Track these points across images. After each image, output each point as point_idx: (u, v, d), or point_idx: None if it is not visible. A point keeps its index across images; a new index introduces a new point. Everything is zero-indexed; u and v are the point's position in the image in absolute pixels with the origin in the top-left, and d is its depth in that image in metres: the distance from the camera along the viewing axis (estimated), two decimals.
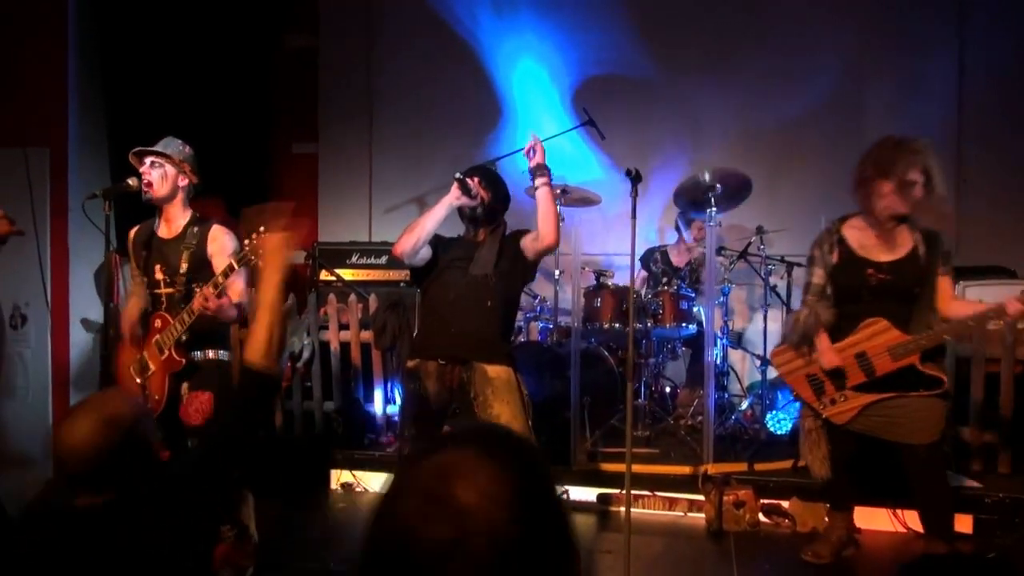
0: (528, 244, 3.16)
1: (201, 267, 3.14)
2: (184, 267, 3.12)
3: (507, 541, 0.85)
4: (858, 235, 3.11)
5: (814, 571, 3.32)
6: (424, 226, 3.07)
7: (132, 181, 3.17)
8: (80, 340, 4.77)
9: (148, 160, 3.17)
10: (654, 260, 5.21)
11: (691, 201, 4.72)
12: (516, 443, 0.98)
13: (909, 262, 3.02)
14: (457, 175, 3.10)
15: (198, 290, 2.99)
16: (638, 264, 5.27)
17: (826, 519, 3.49)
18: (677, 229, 5.43)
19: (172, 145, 3.22)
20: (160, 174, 3.16)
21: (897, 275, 3.01)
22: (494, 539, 0.84)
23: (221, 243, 3.16)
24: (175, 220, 3.23)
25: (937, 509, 3.12)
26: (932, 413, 3.01)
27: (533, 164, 3.19)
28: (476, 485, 0.86)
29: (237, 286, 3.05)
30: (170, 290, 3.15)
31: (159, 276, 3.16)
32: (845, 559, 3.38)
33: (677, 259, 5.35)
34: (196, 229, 3.18)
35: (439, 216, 3.07)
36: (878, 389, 3.05)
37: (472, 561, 0.83)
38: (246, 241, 2.78)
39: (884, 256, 3.06)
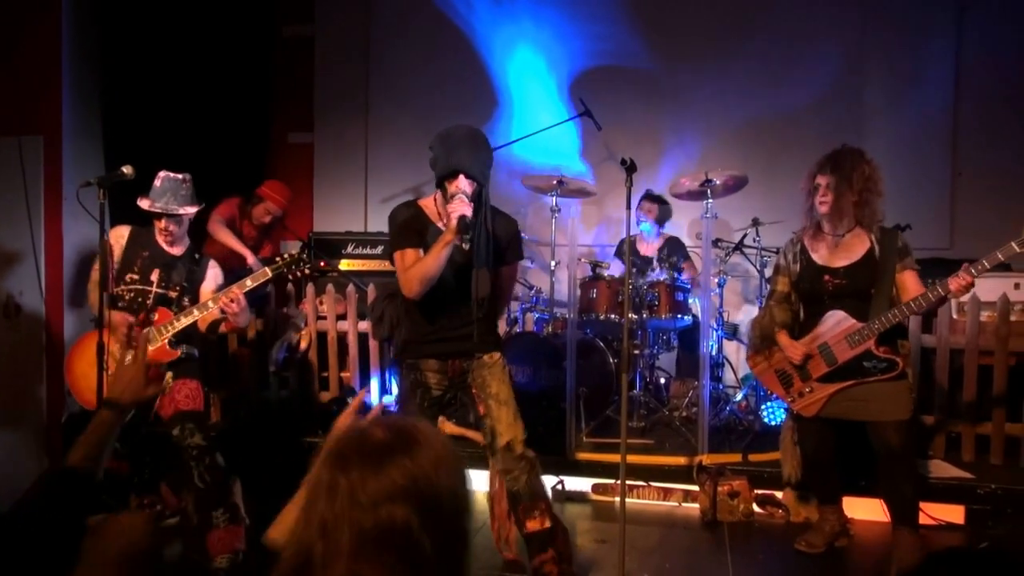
0: (505, 272, 3.06)
1: (195, 287, 3.51)
2: (183, 282, 3.48)
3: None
4: (817, 244, 3.28)
5: (807, 561, 3.35)
6: (432, 271, 2.79)
7: (126, 169, 3.17)
8: (74, 329, 4.76)
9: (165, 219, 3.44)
10: (622, 250, 5.14)
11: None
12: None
13: (863, 265, 3.15)
14: (462, 220, 2.72)
15: (212, 298, 3.33)
16: (614, 254, 5.27)
17: (817, 513, 3.54)
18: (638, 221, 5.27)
19: (180, 194, 3.43)
20: (182, 230, 3.52)
21: (851, 279, 3.16)
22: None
23: (215, 273, 3.58)
24: (180, 242, 3.54)
25: (902, 494, 3.17)
26: (897, 393, 3.11)
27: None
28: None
29: (242, 300, 3.36)
30: (162, 291, 3.43)
31: (154, 278, 3.44)
32: (838, 549, 3.41)
33: (645, 249, 5.29)
34: (197, 256, 3.58)
35: (444, 257, 2.77)
36: (841, 378, 3.17)
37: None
38: (284, 255, 3.40)
39: (840, 262, 3.20)
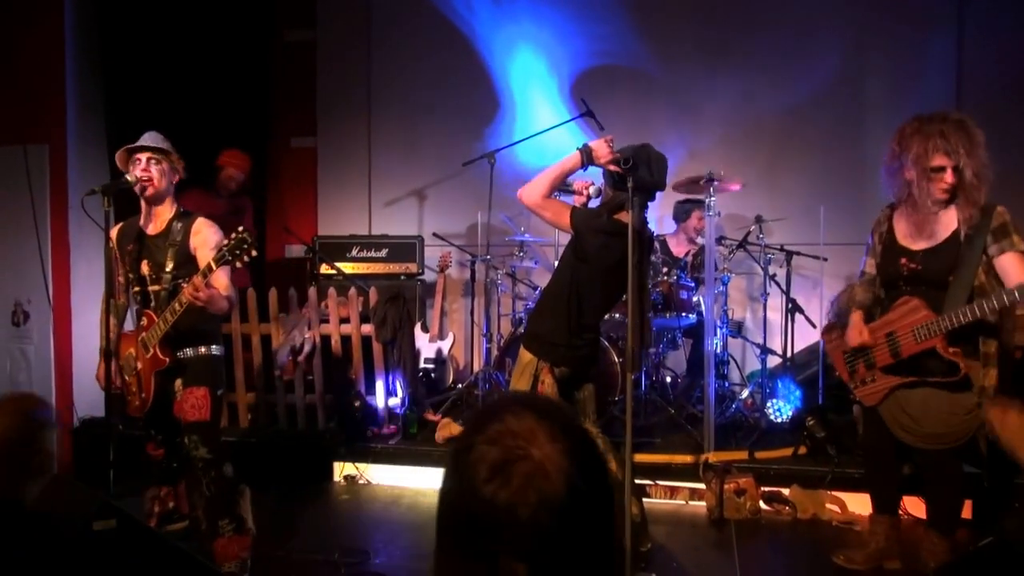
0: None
1: (186, 263, 3.13)
2: (170, 264, 3.12)
3: (563, 506, 0.89)
4: (903, 220, 2.92)
5: (815, 561, 3.34)
6: None
7: (130, 176, 3.17)
8: (82, 335, 4.79)
9: (144, 157, 3.14)
10: (653, 250, 5.19)
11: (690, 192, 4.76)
12: (564, 413, 1.01)
13: (944, 249, 2.79)
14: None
15: (184, 285, 2.93)
16: None
17: (868, 523, 3.23)
18: (676, 219, 5.42)
19: (160, 140, 3.19)
20: (159, 170, 3.14)
21: (927, 264, 2.82)
22: (551, 503, 0.88)
23: (204, 236, 3.14)
24: (162, 215, 3.20)
25: (944, 508, 3.03)
26: (952, 412, 2.79)
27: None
28: (541, 450, 0.90)
29: (221, 280, 3.01)
30: (156, 287, 3.15)
31: (145, 272, 3.17)
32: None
33: (677, 249, 5.35)
34: (180, 224, 3.16)
35: None
36: (904, 372, 2.89)
37: (530, 524, 0.87)
38: (231, 236, 2.82)
39: (920, 244, 2.86)
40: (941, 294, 2.78)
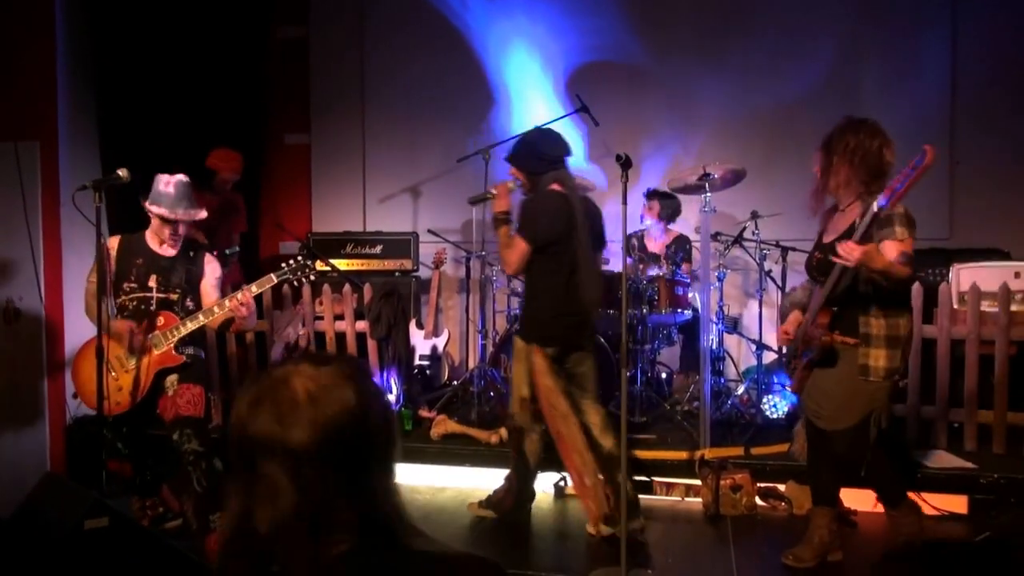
0: None
1: (195, 285, 3.48)
2: (182, 283, 3.44)
3: (329, 424, 1.01)
4: (828, 220, 3.14)
5: None
6: None
7: (122, 172, 3.17)
8: (74, 332, 4.76)
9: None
10: (631, 246, 5.14)
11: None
12: (347, 359, 1.15)
13: (842, 239, 2.85)
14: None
15: (228, 300, 3.29)
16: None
17: (811, 516, 3.24)
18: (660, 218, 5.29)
19: (191, 198, 3.42)
20: (184, 229, 3.47)
21: (828, 254, 2.90)
22: (328, 408, 1.02)
23: (212, 267, 3.55)
24: (175, 238, 3.45)
25: (877, 481, 3.16)
26: (847, 393, 2.94)
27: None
28: (304, 384, 1.03)
29: (251, 304, 3.34)
30: (163, 295, 3.41)
31: (152, 284, 3.41)
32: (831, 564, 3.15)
33: (653, 245, 5.30)
34: (192, 253, 3.52)
35: None
36: (807, 357, 3.06)
37: (292, 450, 1.00)
38: (289, 262, 3.35)
39: (829, 237, 3.04)
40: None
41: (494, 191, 3.52)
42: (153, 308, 3.36)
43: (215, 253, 3.76)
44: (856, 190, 2.95)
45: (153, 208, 3.35)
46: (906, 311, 2.99)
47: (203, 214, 3.47)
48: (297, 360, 1.08)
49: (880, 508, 3.26)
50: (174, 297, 3.41)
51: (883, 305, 2.90)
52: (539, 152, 3.41)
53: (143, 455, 3.48)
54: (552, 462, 3.64)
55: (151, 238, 3.45)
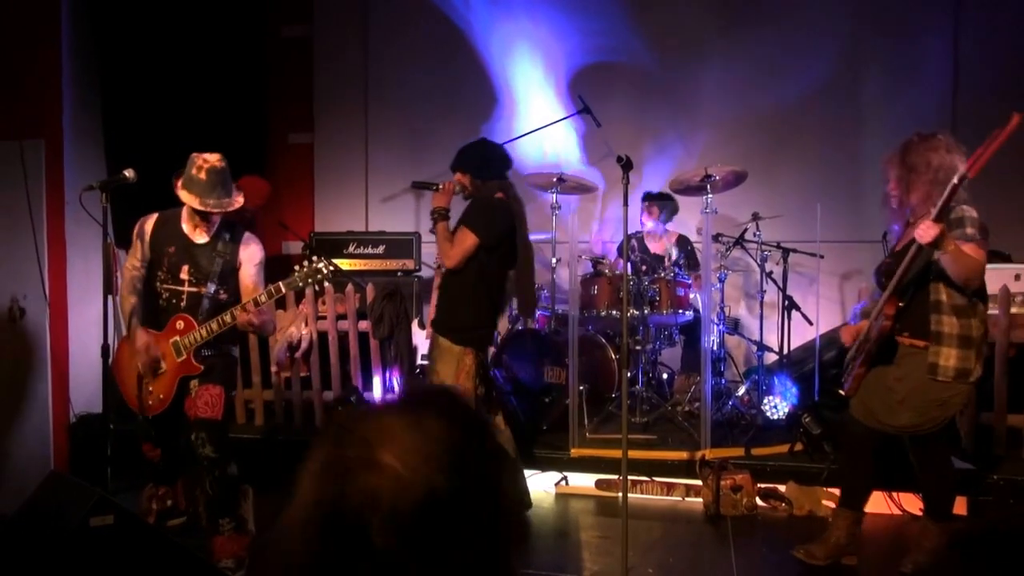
0: None
1: (231, 274, 3.22)
2: (216, 273, 3.18)
3: (429, 498, 0.83)
4: (906, 231, 3.13)
5: None
6: None
7: (128, 172, 3.17)
8: (79, 331, 4.78)
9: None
10: (632, 247, 5.15)
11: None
12: (446, 402, 0.95)
13: (909, 246, 2.93)
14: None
15: (238, 310, 3.06)
16: (616, 252, 5.28)
17: (829, 516, 3.30)
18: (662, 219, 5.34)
19: (227, 185, 3.15)
20: (218, 219, 3.21)
21: (896, 259, 2.98)
22: (414, 496, 0.83)
23: (251, 251, 3.25)
24: (210, 225, 3.21)
25: (933, 495, 3.13)
26: (911, 391, 2.93)
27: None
28: (400, 446, 0.85)
29: (259, 314, 3.14)
30: (195, 289, 3.18)
31: (185, 276, 3.19)
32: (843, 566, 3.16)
33: (655, 246, 5.32)
34: (228, 236, 3.22)
35: None
36: (870, 362, 3.06)
37: (393, 517, 0.82)
38: (298, 267, 3.08)
39: (900, 245, 3.10)
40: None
41: (441, 185, 3.66)
42: (183, 305, 3.16)
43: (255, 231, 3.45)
44: (935, 203, 2.90)
45: (183, 194, 3.08)
46: (978, 312, 2.94)
47: (239, 202, 3.17)
48: (381, 412, 0.90)
49: (894, 509, 3.27)
50: (205, 291, 3.17)
51: (955, 303, 2.89)
52: (487, 158, 3.62)
53: (174, 445, 3.34)
54: (553, 462, 3.66)
55: (186, 220, 3.20)
